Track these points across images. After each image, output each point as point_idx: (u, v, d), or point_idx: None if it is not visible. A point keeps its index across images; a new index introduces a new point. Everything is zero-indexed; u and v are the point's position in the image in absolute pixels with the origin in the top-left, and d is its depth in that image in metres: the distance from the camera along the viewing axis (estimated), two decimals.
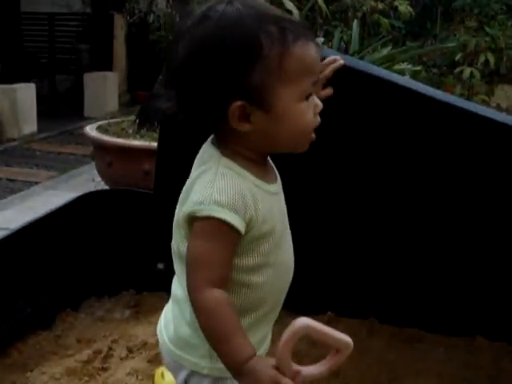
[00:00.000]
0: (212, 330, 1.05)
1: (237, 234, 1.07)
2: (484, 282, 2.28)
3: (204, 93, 1.07)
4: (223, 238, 1.06)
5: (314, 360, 2.33)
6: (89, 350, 2.20)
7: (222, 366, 1.09)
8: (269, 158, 1.22)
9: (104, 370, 2.10)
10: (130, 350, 2.20)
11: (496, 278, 2.26)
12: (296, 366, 1.00)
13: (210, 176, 1.08)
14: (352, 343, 1.00)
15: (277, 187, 1.19)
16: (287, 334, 0.97)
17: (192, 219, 1.08)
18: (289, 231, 1.24)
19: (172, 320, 1.24)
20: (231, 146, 1.12)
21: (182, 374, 1.22)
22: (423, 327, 2.37)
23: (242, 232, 1.07)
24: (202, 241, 1.07)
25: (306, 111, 1.09)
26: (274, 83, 1.04)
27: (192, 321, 1.15)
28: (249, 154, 1.12)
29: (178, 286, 1.21)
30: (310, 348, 2.20)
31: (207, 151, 1.16)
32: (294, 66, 1.04)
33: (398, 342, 2.32)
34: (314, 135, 1.13)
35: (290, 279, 1.26)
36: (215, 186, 1.06)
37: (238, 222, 1.06)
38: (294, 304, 2.38)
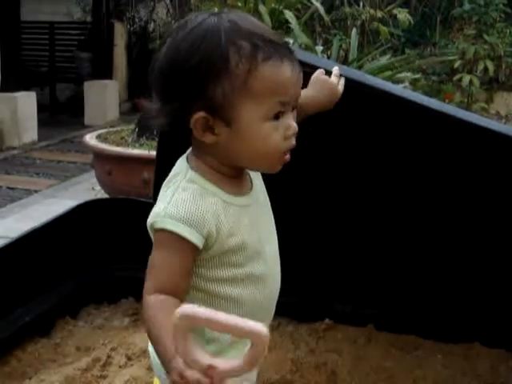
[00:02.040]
0: (149, 331, 1.06)
1: (192, 247, 1.07)
2: (482, 289, 2.29)
3: (171, 100, 1.08)
4: (176, 250, 1.07)
5: (314, 367, 2.32)
6: (88, 357, 2.20)
7: None
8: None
9: (103, 377, 2.11)
10: (128, 358, 2.20)
11: (494, 285, 2.27)
12: (210, 361, 0.89)
13: (172, 189, 1.10)
14: (265, 331, 0.82)
15: (248, 199, 1.17)
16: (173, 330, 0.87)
17: (151, 229, 1.11)
18: (272, 242, 1.23)
19: None
20: (202, 158, 1.13)
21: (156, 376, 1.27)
22: (421, 334, 2.38)
23: (199, 246, 1.07)
24: (157, 251, 1.09)
25: (271, 132, 1.06)
26: (237, 99, 1.04)
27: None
28: (217, 166, 1.13)
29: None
30: (307, 356, 2.21)
31: (179, 165, 1.17)
32: (259, 85, 1.03)
33: (396, 349, 2.32)
34: (287, 157, 1.11)
35: (276, 292, 1.26)
36: (173, 199, 1.08)
37: (192, 236, 1.06)
38: (292, 311, 2.40)
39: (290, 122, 1.08)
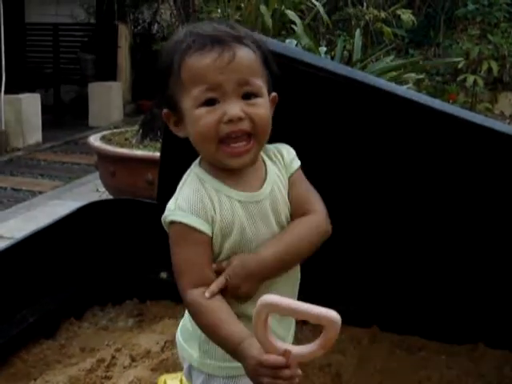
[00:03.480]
0: (203, 325, 1.15)
1: (205, 236, 1.16)
2: (486, 290, 2.29)
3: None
4: (191, 241, 1.16)
5: (318, 368, 2.32)
6: (92, 358, 2.21)
7: (210, 362, 1.22)
8: (265, 162, 1.25)
9: (107, 378, 2.11)
10: (133, 359, 2.21)
11: (498, 286, 2.26)
12: (285, 346, 1.00)
13: (180, 184, 1.22)
14: (337, 316, 0.96)
15: (249, 196, 1.20)
16: (255, 316, 0.98)
17: (166, 225, 1.20)
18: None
19: (186, 313, 1.33)
20: None
21: (185, 365, 1.32)
22: (425, 335, 2.38)
23: (209, 233, 1.16)
24: (175, 247, 1.18)
25: (201, 116, 1.14)
26: (178, 93, 1.16)
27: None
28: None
29: None
30: None
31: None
32: (186, 75, 1.14)
33: (400, 350, 2.32)
34: (234, 150, 1.14)
35: (294, 286, 1.31)
36: (181, 193, 1.19)
37: (202, 226, 1.15)
38: None
39: (227, 109, 1.13)
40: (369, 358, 2.25)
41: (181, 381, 1.75)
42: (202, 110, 1.13)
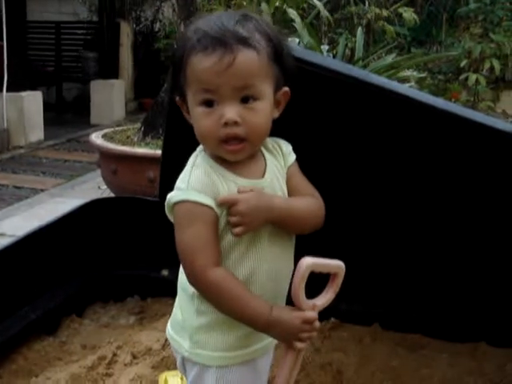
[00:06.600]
0: (228, 304, 1.17)
1: (215, 216, 1.18)
2: (488, 288, 2.28)
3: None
4: (202, 220, 1.17)
5: (320, 366, 2.32)
6: (93, 355, 2.21)
7: (201, 351, 1.24)
8: (264, 155, 1.28)
9: (108, 375, 2.11)
10: (134, 356, 2.21)
11: (500, 284, 2.26)
12: (311, 301, 1.20)
13: (187, 167, 1.24)
14: (343, 264, 1.25)
15: (250, 184, 1.22)
16: (297, 276, 1.16)
17: (171, 207, 1.21)
18: (276, 235, 1.27)
19: (175, 306, 1.35)
20: None
21: (178, 358, 1.33)
22: (427, 333, 2.38)
23: (218, 214, 1.18)
24: (189, 227, 1.18)
25: (201, 117, 1.19)
26: (184, 86, 1.21)
27: (181, 305, 1.30)
28: None
29: (180, 273, 1.30)
30: (313, 355, 2.21)
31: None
32: (189, 73, 1.18)
33: (402, 349, 2.32)
34: (231, 147, 1.18)
35: (283, 286, 1.31)
36: (192, 175, 1.20)
37: (213, 205, 1.17)
38: None
39: (224, 112, 1.16)
40: (370, 356, 2.25)
41: (181, 378, 1.75)
42: (201, 110, 1.18)
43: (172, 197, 1.21)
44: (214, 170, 1.21)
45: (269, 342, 1.30)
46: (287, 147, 1.34)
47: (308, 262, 1.16)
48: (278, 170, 1.29)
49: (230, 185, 1.20)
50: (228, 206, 1.17)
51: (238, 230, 1.16)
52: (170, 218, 1.24)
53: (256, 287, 1.22)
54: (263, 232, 1.23)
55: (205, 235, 1.17)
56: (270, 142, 1.31)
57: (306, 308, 1.19)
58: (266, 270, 1.24)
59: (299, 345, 1.19)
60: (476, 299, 2.29)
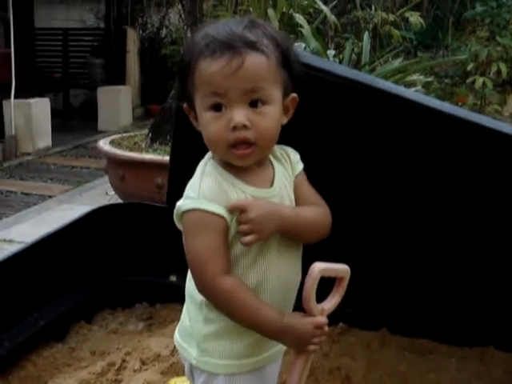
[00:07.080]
0: (240, 311, 1.17)
1: (226, 225, 1.17)
2: (496, 293, 2.28)
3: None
4: (213, 229, 1.17)
5: (328, 371, 2.32)
6: (102, 362, 2.22)
7: (208, 359, 1.24)
8: (272, 164, 1.28)
9: (117, 382, 2.12)
10: (143, 362, 2.21)
11: (508, 289, 2.26)
12: (321, 305, 1.22)
13: (196, 175, 1.23)
14: (348, 268, 1.27)
15: (259, 192, 1.23)
16: (309, 281, 1.18)
17: (180, 215, 1.21)
18: (285, 245, 1.27)
19: (183, 313, 1.35)
20: None
21: (186, 365, 1.33)
22: (435, 338, 2.37)
23: (229, 223, 1.17)
24: (199, 235, 1.18)
25: (211, 121, 1.18)
26: (192, 92, 1.20)
27: (189, 312, 1.29)
28: None
29: (188, 281, 1.30)
30: (321, 360, 2.21)
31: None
32: (198, 78, 1.18)
33: (410, 353, 2.31)
34: (239, 152, 1.18)
35: (290, 296, 1.31)
36: (202, 183, 1.19)
37: (224, 214, 1.17)
38: None
39: (233, 115, 1.15)
40: (378, 361, 2.24)
41: None
42: (210, 115, 1.17)
43: (182, 205, 1.20)
44: (225, 178, 1.20)
45: (277, 349, 1.30)
46: (295, 156, 1.33)
47: (320, 266, 1.18)
48: (286, 179, 1.29)
49: (238, 193, 1.20)
50: (238, 211, 1.17)
51: (248, 238, 1.15)
52: (179, 226, 1.23)
53: (264, 296, 1.22)
54: (272, 241, 1.22)
55: (215, 244, 1.16)
56: (278, 150, 1.31)
57: (316, 312, 1.21)
58: (274, 279, 1.23)
59: (312, 347, 1.21)
60: (484, 303, 2.29)
